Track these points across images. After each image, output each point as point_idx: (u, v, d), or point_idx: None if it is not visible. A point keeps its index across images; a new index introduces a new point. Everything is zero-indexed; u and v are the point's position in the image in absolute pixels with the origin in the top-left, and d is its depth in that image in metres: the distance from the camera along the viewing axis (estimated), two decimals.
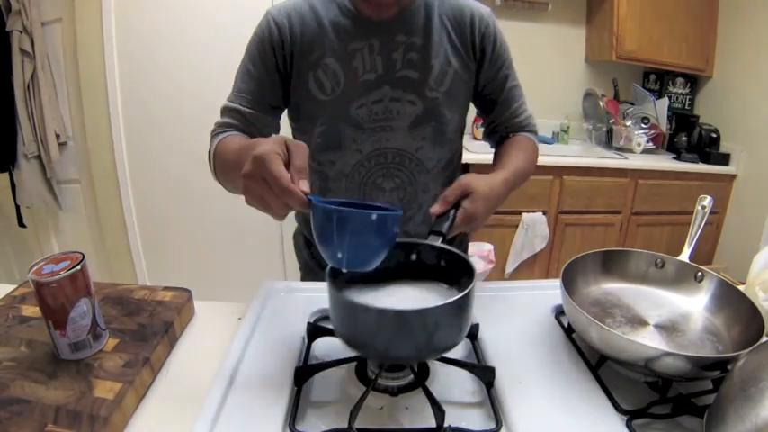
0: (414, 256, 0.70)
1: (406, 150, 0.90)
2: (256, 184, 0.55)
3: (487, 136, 1.05)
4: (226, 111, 0.87)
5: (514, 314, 0.81)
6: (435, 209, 0.73)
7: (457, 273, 0.66)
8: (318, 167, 0.93)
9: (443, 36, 0.86)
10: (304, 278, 1.12)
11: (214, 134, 0.87)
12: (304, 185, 0.54)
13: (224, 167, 0.79)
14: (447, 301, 0.55)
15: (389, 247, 0.59)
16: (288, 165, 0.55)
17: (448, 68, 0.86)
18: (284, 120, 0.96)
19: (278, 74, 0.86)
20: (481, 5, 0.90)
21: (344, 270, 0.59)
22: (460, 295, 0.56)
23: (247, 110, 0.86)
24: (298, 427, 0.56)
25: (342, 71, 0.84)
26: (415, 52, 0.84)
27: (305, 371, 0.64)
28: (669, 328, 0.72)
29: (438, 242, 0.69)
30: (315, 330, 0.71)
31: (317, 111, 0.87)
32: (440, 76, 0.86)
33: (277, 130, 0.90)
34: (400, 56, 0.84)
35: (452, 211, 0.74)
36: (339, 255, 0.56)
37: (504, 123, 0.99)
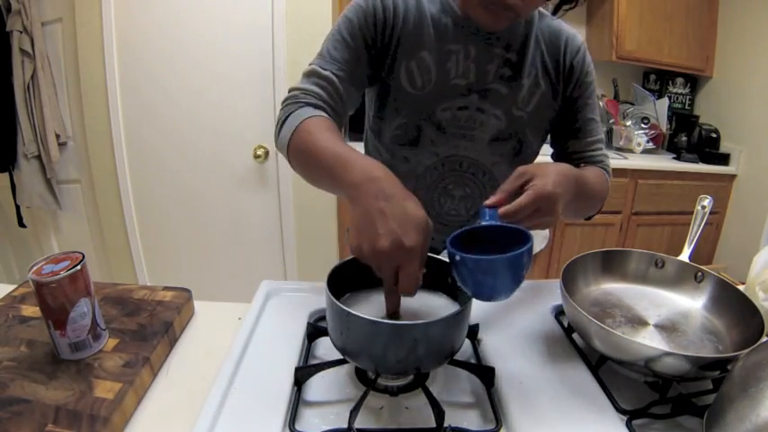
0: (424, 270, 0.71)
1: (482, 163, 0.89)
2: (385, 262, 0.53)
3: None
4: (314, 75, 0.79)
5: (514, 314, 0.81)
6: (489, 200, 0.62)
7: (457, 286, 0.66)
8: (390, 160, 0.90)
9: (537, 56, 0.85)
10: None
11: (295, 102, 0.78)
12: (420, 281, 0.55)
13: (314, 160, 0.69)
14: (444, 317, 0.55)
15: (524, 276, 0.58)
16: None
17: (536, 90, 0.86)
18: None
19: (373, 51, 0.81)
20: (576, 32, 0.90)
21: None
22: (457, 311, 0.56)
23: (340, 79, 0.79)
24: (298, 427, 0.56)
25: (435, 69, 0.82)
26: (508, 68, 0.84)
27: (305, 371, 0.64)
28: (669, 328, 0.72)
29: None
30: (315, 330, 0.71)
31: (402, 103, 0.85)
32: (527, 96, 0.85)
33: (355, 108, 0.87)
34: (494, 68, 0.83)
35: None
36: (479, 291, 0.57)
37: (577, 153, 0.92)
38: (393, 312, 0.59)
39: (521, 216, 0.60)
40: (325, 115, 0.76)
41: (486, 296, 0.59)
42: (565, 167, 0.69)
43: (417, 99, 0.83)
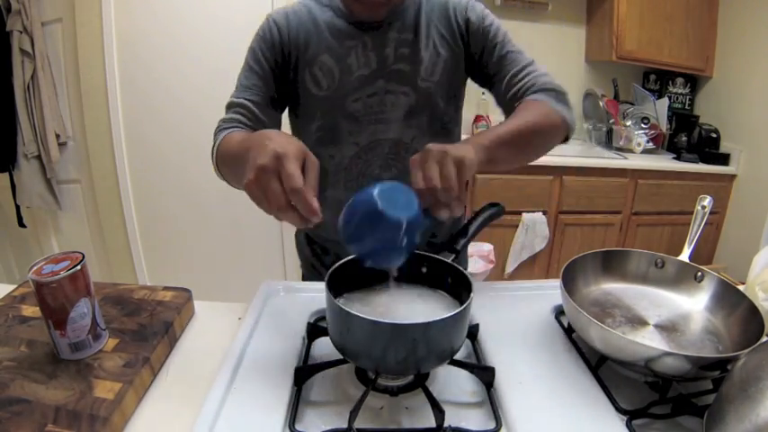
0: (424, 269, 0.72)
1: (402, 140, 0.92)
2: (267, 177, 0.55)
3: (504, 112, 0.94)
4: (231, 106, 0.88)
5: (514, 314, 0.81)
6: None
7: (457, 286, 0.67)
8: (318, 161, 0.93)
9: (432, 29, 0.90)
10: (305, 277, 1.12)
11: (219, 130, 0.87)
12: (314, 201, 0.55)
13: (230, 157, 0.77)
14: (444, 317, 0.55)
15: (413, 248, 0.59)
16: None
17: (437, 59, 0.89)
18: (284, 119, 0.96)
19: (277, 71, 0.89)
20: None
21: (367, 265, 0.60)
22: (457, 311, 0.56)
23: (253, 103, 0.87)
24: (297, 427, 0.56)
25: (337, 67, 0.87)
26: (405, 47, 0.88)
27: (305, 371, 0.64)
28: (669, 328, 0.72)
29: (450, 259, 0.70)
30: (315, 330, 0.71)
31: (314, 106, 0.90)
32: (430, 67, 0.89)
33: (279, 127, 0.93)
34: (392, 51, 0.88)
35: (471, 228, 0.76)
36: (364, 251, 0.58)
37: (509, 90, 0.89)
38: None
39: (419, 178, 0.63)
40: (243, 129, 0.85)
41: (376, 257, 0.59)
42: (463, 148, 0.65)
43: (326, 99, 0.89)
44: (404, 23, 0.89)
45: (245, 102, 0.87)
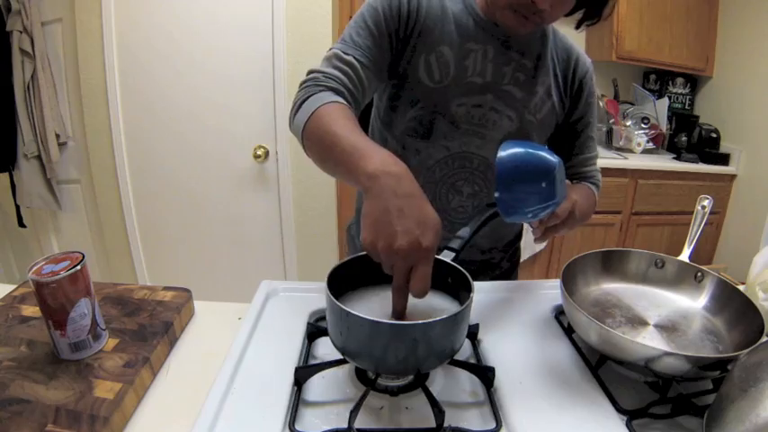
0: None
1: (492, 162, 0.88)
2: (398, 259, 0.52)
3: None
4: (335, 59, 0.77)
5: (514, 314, 0.81)
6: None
7: (457, 286, 0.67)
8: (402, 152, 0.90)
9: (551, 67, 0.89)
10: None
11: (315, 84, 0.75)
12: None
13: (330, 150, 0.66)
14: (444, 317, 0.55)
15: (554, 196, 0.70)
16: None
17: (547, 99, 0.90)
18: None
19: (395, 42, 0.82)
20: (584, 52, 0.95)
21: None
22: (457, 311, 0.56)
23: (362, 66, 0.78)
24: (297, 427, 0.56)
25: (454, 64, 0.83)
26: (523, 73, 0.87)
27: (305, 371, 0.64)
28: (669, 328, 0.72)
29: (449, 259, 0.70)
30: (315, 330, 0.71)
31: (418, 94, 0.86)
32: (539, 104, 0.89)
33: (371, 98, 0.89)
34: (510, 71, 0.86)
35: (472, 230, 0.75)
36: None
37: (575, 168, 0.99)
38: (400, 312, 0.59)
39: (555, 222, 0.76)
40: (345, 102, 0.73)
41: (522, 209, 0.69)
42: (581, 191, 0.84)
43: (434, 92, 0.84)
44: (527, 49, 0.86)
45: (354, 61, 0.77)
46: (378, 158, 0.59)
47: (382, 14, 0.80)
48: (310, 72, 0.78)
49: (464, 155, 0.89)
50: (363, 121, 0.97)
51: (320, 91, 0.74)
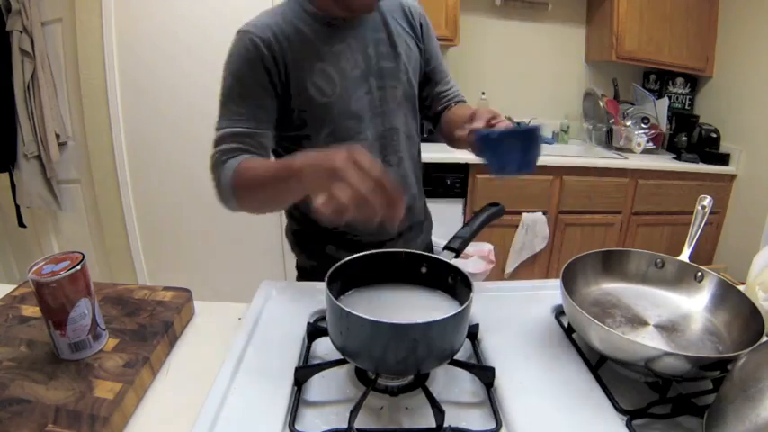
0: (424, 269, 0.72)
1: (397, 127, 0.98)
2: (351, 170, 0.56)
3: (427, 117, 1.11)
4: (227, 137, 0.84)
5: (514, 314, 0.81)
6: (481, 126, 0.79)
7: (457, 286, 0.68)
8: None
9: (398, 27, 0.96)
10: (299, 278, 1.11)
11: (221, 161, 0.83)
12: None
13: (262, 180, 0.77)
14: (444, 317, 0.55)
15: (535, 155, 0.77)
16: None
17: (410, 52, 0.98)
18: None
19: (273, 89, 0.86)
20: None
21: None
22: (457, 311, 0.57)
23: (254, 130, 0.84)
24: (297, 427, 0.56)
25: (335, 72, 0.89)
26: (383, 46, 0.94)
27: (305, 371, 0.64)
28: (669, 328, 0.72)
29: (450, 259, 0.70)
30: (315, 330, 0.71)
31: (321, 113, 0.89)
32: (406, 60, 0.97)
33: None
34: (373, 50, 0.92)
35: (471, 230, 0.76)
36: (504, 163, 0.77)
37: (441, 95, 1.06)
38: (390, 217, 0.59)
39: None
40: (251, 156, 0.83)
41: (512, 167, 0.77)
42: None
43: (333, 104, 0.89)
44: (374, 22, 0.93)
45: (246, 130, 0.83)
46: (298, 159, 0.68)
47: (249, 75, 0.83)
48: (211, 157, 0.85)
49: (378, 136, 0.95)
50: None
51: (227, 161, 0.82)
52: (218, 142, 0.85)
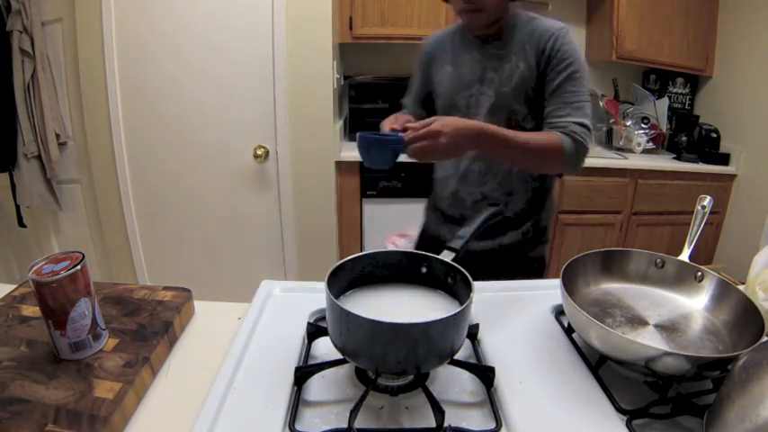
0: (424, 269, 0.72)
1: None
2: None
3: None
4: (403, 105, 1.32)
5: (514, 314, 0.81)
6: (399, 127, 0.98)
7: (457, 286, 0.68)
8: None
9: (518, 46, 1.10)
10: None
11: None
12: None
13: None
14: (444, 317, 0.55)
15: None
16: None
17: (516, 70, 1.09)
18: None
19: (422, 76, 1.27)
20: (554, 23, 1.11)
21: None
22: (457, 311, 0.57)
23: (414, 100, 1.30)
24: (297, 427, 0.56)
25: (454, 75, 1.17)
26: (496, 60, 1.12)
27: (305, 371, 0.64)
28: (669, 328, 0.72)
29: (449, 258, 0.70)
30: (315, 330, 0.71)
31: (440, 102, 1.22)
32: (509, 76, 1.10)
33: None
34: (488, 64, 1.13)
35: (471, 230, 0.76)
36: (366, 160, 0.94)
37: (547, 116, 1.08)
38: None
39: (413, 134, 0.91)
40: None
41: (368, 163, 0.95)
42: (464, 122, 0.95)
43: (445, 94, 1.20)
44: (502, 42, 1.12)
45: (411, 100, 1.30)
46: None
47: (418, 68, 1.28)
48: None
49: None
50: (356, 129, 1.30)
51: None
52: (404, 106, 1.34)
